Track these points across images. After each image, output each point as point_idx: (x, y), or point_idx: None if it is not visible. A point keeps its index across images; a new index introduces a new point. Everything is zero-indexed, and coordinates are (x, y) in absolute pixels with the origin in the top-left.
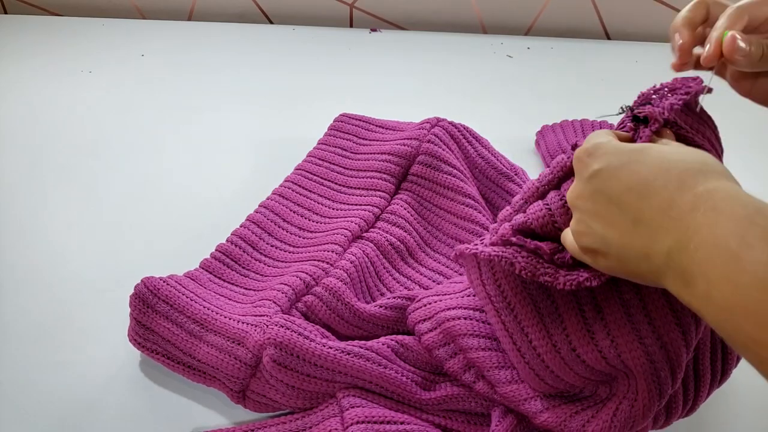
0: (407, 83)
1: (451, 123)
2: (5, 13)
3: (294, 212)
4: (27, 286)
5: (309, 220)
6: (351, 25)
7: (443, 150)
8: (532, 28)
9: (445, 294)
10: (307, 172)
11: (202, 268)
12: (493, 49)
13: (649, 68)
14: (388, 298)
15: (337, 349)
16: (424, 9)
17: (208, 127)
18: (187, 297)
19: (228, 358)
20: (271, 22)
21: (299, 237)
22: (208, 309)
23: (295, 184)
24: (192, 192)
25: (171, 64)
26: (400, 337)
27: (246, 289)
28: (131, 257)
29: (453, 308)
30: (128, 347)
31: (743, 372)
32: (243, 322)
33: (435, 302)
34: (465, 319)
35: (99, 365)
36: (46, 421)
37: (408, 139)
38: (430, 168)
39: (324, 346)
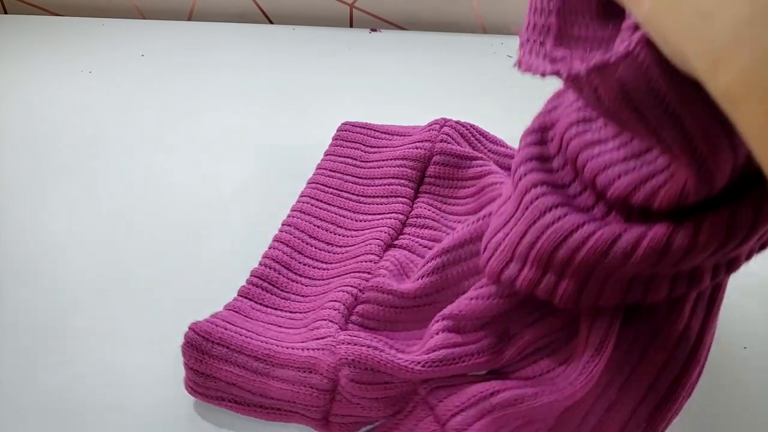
0: (407, 83)
1: (458, 122)
2: (5, 13)
3: (318, 227)
4: (27, 286)
5: (335, 234)
6: (351, 25)
7: (458, 147)
8: None
9: (504, 225)
10: (321, 185)
11: (242, 296)
12: (493, 49)
13: None
14: (422, 267)
15: (409, 362)
16: (424, 9)
17: (208, 127)
18: (240, 335)
19: (303, 389)
20: (271, 22)
21: (329, 252)
22: (267, 343)
23: (312, 198)
24: (192, 192)
25: (171, 64)
26: (447, 312)
27: (291, 312)
28: (131, 257)
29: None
30: (128, 347)
31: (743, 370)
32: (308, 349)
33: (505, 239)
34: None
35: (99, 365)
36: (46, 421)
37: (420, 141)
38: (448, 166)
39: (395, 358)
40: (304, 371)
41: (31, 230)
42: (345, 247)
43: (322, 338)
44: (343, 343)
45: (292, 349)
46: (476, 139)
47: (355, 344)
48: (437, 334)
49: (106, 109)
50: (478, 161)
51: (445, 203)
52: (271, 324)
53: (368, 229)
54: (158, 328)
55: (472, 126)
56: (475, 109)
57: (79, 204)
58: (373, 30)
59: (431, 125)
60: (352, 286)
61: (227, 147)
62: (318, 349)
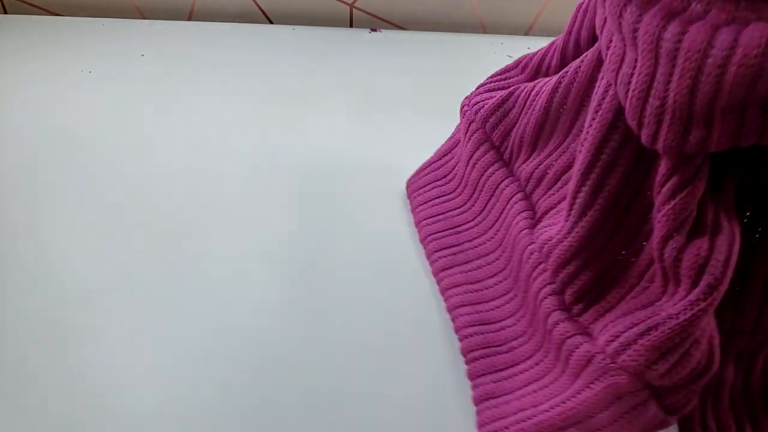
0: (407, 83)
1: (477, 88)
2: (5, 13)
3: (469, 271)
4: (27, 286)
5: (488, 265)
6: (351, 25)
7: (492, 99)
8: (532, 28)
9: (650, 87)
10: (435, 234)
11: (476, 378)
12: (493, 49)
13: None
14: (568, 210)
15: (684, 308)
16: (424, 9)
17: (208, 127)
18: (524, 419)
19: (627, 417)
20: (271, 22)
21: (501, 282)
22: (552, 408)
23: (440, 250)
24: (192, 192)
25: (171, 64)
26: (661, 232)
27: (527, 359)
28: (131, 257)
29: None
30: (129, 348)
31: None
32: (591, 385)
33: (666, 104)
34: None
35: (99, 366)
36: (46, 422)
37: (467, 130)
38: (501, 122)
39: (673, 318)
40: (611, 404)
41: (31, 230)
42: (506, 269)
43: (587, 362)
44: (617, 354)
45: (577, 395)
46: (502, 79)
47: (630, 343)
48: (677, 260)
49: (106, 109)
50: (515, 93)
51: (530, 149)
52: (529, 385)
53: (507, 228)
54: (158, 328)
55: (488, 79)
56: None
57: (79, 204)
58: (373, 30)
59: (462, 111)
60: (543, 287)
61: (227, 147)
62: (601, 377)
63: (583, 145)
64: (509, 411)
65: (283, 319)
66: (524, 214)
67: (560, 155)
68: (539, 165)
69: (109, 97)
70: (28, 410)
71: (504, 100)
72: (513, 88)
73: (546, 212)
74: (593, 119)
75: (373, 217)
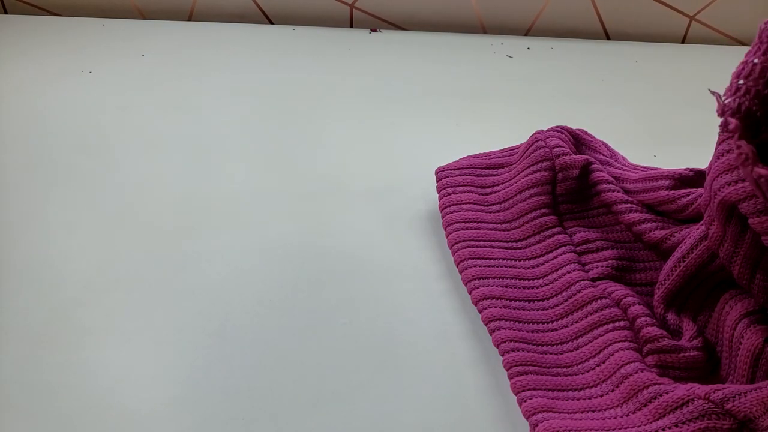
0: (407, 83)
1: (553, 130)
2: (5, 13)
3: (505, 287)
4: (27, 286)
5: (524, 288)
6: (351, 25)
7: (576, 156)
8: (532, 28)
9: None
10: (469, 240)
11: (523, 391)
12: (493, 49)
13: (649, 68)
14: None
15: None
16: (424, 9)
17: (208, 127)
18: None
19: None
20: (271, 22)
21: (540, 310)
22: None
23: (473, 258)
24: (192, 192)
25: (171, 64)
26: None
27: (577, 390)
28: (131, 257)
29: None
30: (129, 348)
31: None
32: (682, 423)
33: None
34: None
35: (99, 366)
36: (46, 422)
37: (536, 164)
38: (571, 179)
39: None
40: (689, 421)
41: (31, 230)
42: (548, 299)
43: (681, 404)
44: (715, 391)
45: (644, 424)
46: (580, 142)
47: (745, 398)
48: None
49: (106, 109)
50: (594, 169)
51: (586, 216)
52: (586, 411)
53: (551, 272)
54: (158, 328)
55: (565, 129)
56: (474, 109)
57: (79, 204)
58: (373, 30)
59: (535, 142)
60: (624, 341)
61: (227, 147)
62: (694, 419)
63: (665, 280)
64: (571, 426)
65: (284, 319)
66: (577, 267)
67: (606, 233)
68: (594, 238)
69: (109, 98)
70: (29, 409)
71: (584, 167)
72: (600, 167)
73: (596, 277)
74: (678, 265)
75: (373, 214)
